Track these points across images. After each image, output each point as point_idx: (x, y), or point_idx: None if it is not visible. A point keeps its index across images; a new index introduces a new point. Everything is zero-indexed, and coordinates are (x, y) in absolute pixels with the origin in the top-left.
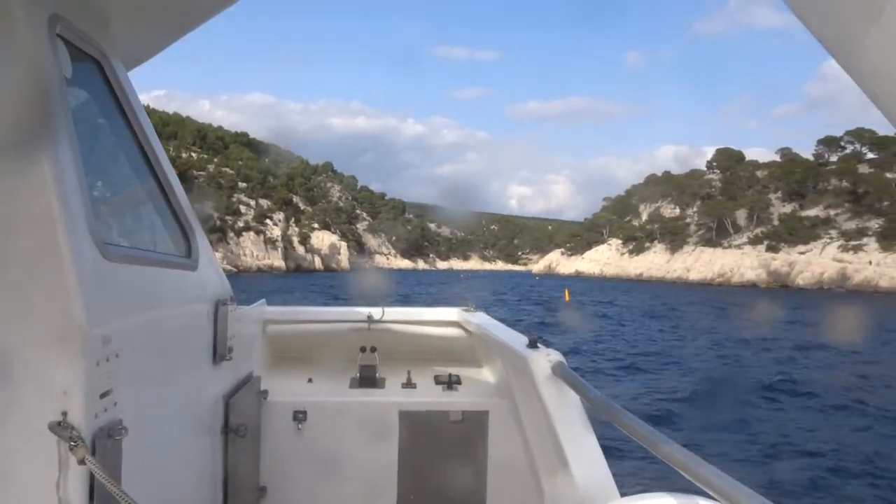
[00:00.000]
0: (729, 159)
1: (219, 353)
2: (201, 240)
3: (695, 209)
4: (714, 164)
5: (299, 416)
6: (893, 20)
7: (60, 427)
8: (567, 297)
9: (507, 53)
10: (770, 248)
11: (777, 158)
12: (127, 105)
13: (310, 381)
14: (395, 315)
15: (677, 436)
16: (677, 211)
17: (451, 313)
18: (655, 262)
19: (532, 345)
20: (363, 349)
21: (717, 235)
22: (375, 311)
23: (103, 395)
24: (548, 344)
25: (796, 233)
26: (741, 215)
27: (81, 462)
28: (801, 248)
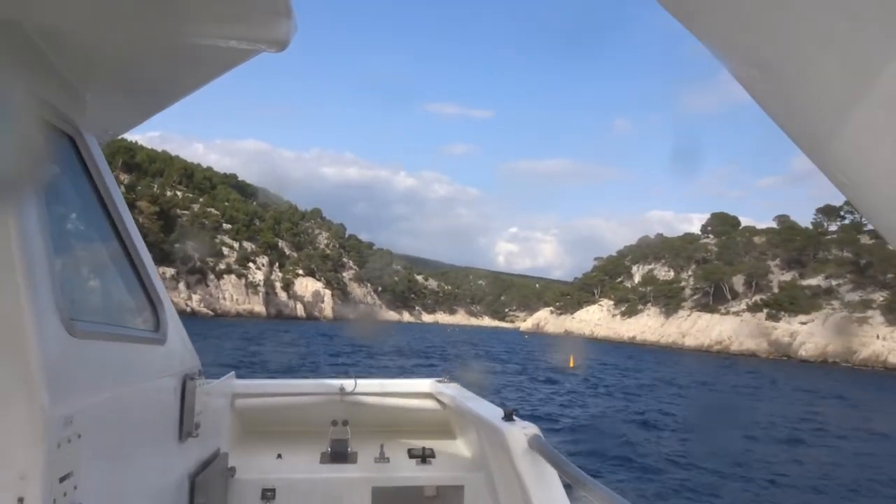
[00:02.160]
0: (724, 224)
1: (185, 429)
2: (170, 313)
3: (690, 273)
4: (709, 228)
5: (268, 495)
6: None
7: None
8: (572, 363)
9: (500, 112)
10: (770, 317)
11: (774, 225)
12: (99, 180)
13: (279, 456)
14: (368, 387)
15: None
16: (671, 274)
17: (424, 385)
18: (649, 326)
19: (507, 417)
20: (335, 422)
21: (713, 301)
22: (347, 383)
23: (63, 479)
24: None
25: (797, 302)
26: (738, 281)
27: None
28: (803, 317)
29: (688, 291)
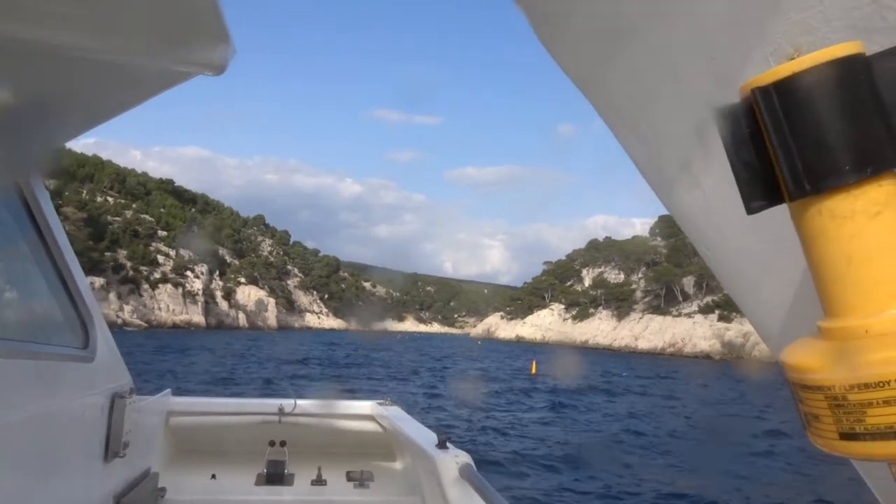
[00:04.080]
0: (671, 226)
1: (111, 449)
2: (101, 329)
3: (640, 275)
4: (657, 231)
5: None
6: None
7: None
8: (534, 371)
9: (446, 119)
10: (722, 318)
11: None
12: (27, 191)
13: (213, 477)
14: (308, 407)
15: None
16: (622, 277)
17: (365, 407)
18: (601, 329)
19: (441, 445)
20: (272, 443)
21: (665, 303)
22: (287, 404)
23: None
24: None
25: None
26: (689, 283)
27: None
28: None
29: (639, 294)
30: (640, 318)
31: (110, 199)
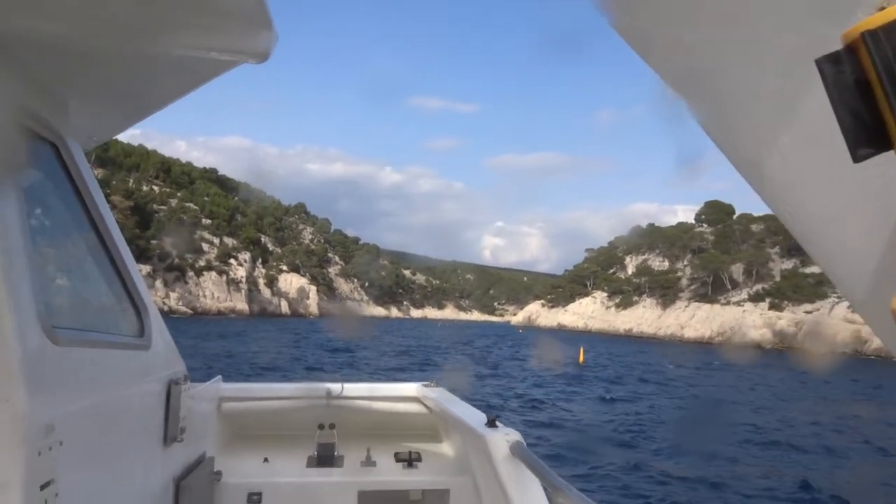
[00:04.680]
0: (718, 212)
1: (170, 434)
2: (154, 317)
3: (686, 263)
4: (703, 216)
5: (254, 498)
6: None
7: None
8: (581, 359)
9: (484, 106)
10: (773, 307)
11: (771, 212)
12: (82, 186)
13: (266, 460)
14: (355, 391)
15: None
16: (666, 264)
17: (410, 389)
18: (646, 318)
19: (491, 423)
20: (321, 426)
21: (712, 291)
22: (334, 387)
23: (44, 487)
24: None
25: (801, 290)
26: (737, 270)
27: None
28: (808, 306)
29: (685, 282)
30: (686, 306)
31: (156, 188)
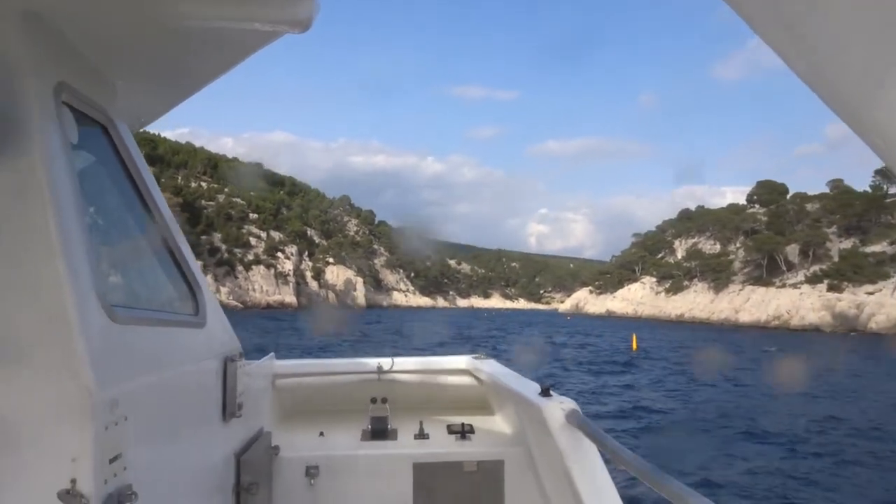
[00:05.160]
0: (772, 192)
1: (228, 410)
2: (208, 296)
3: (738, 245)
4: (755, 197)
5: (311, 472)
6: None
7: (70, 495)
8: (635, 346)
9: (525, 93)
10: (832, 288)
11: (826, 191)
12: (132, 167)
13: (321, 434)
14: (405, 365)
15: None
16: (717, 247)
17: (461, 361)
18: (698, 302)
19: (545, 393)
20: (374, 400)
21: (767, 273)
22: (385, 362)
23: (112, 460)
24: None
25: (861, 271)
26: (793, 251)
27: None
28: (869, 287)
29: (737, 264)
30: (740, 289)
31: (203, 184)
